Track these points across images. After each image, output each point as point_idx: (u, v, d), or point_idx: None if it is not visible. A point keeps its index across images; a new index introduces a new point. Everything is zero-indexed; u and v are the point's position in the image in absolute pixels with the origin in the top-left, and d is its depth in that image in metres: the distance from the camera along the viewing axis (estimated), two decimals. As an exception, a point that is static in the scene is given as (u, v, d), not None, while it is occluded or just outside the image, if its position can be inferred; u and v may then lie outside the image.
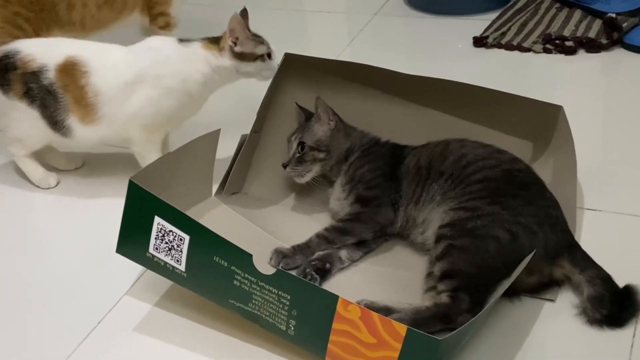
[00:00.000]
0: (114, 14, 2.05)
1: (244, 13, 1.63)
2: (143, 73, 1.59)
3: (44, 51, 1.63)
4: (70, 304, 1.42)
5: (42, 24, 1.98)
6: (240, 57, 1.58)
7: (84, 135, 1.65)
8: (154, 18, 2.08)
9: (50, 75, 1.61)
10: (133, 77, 1.59)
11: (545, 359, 1.21)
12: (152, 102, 1.59)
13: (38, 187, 1.75)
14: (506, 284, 1.20)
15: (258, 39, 1.60)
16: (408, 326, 1.09)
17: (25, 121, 1.66)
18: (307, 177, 1.51)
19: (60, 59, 1.61)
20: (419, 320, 1.19)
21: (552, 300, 1.29)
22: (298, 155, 1.50)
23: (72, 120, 1.63)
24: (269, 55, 1.60)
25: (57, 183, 1.76)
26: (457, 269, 1.25)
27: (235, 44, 1.57)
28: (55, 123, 1.63)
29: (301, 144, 1.50)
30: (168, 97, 1.59)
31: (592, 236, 1.41)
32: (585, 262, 1.29)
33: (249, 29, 1.60)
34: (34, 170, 1.75)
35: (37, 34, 1.96)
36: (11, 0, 1.92)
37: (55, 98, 1.61)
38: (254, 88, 1.60)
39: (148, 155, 1.64)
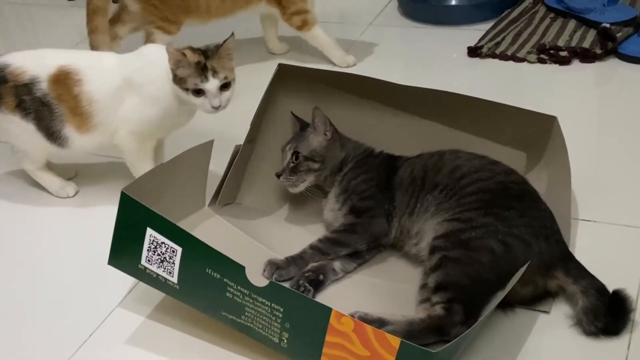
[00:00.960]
0: (240, 3, 2.08)
1: (230, 37, 1.52)
2: (130, 79, 1.58)
3: (34, 63, 1.62)
4: (62, 316, 1.41)
5: (172, 9, 2.07)
6: (175, 79, 1.51)
7: (81, 144, 1.64)
8: (289, 18, 2.09)
9: (43, 87, 1.60)
10: (121, 83, 1.58)
11: (540, 371, 1.21)
12: (138, 109, 1.58)
13: (57, 197, 1.74)
14: (500, 296, 1.19)
15: (202, 72, 1.48)
16: (401, 339, 1.09)
17: (22, 135, 1.65)
18: (301, 187, 1.50)
19: (52, 70, 1.60)
20: (412, 333, 1.18)
21: (546, 312, 1.29)
22: (292, 165, 1.50)
23: (69, 130, 1.62)
24: (197, 92, 1.50)
25: (76, 192, 1.75)
26: (451, 281, 1.24)
27: (177, 66, 1.49)
28: (52, 134, 1.63)
29: (296, 154, 1.50)
30: (152, 104, 1.57)
31: (587, 247, 1.41)
32: (579, 272, 1.29)
33: (210, 55, 1.50)
34: (51, 181, 1.74)
35: (174, 14, 2.08)
36: None
37: (50, 109, 1.60)
38: (248, 98, 1.60)
39: (140, 164, 1.64)
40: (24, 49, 1.70)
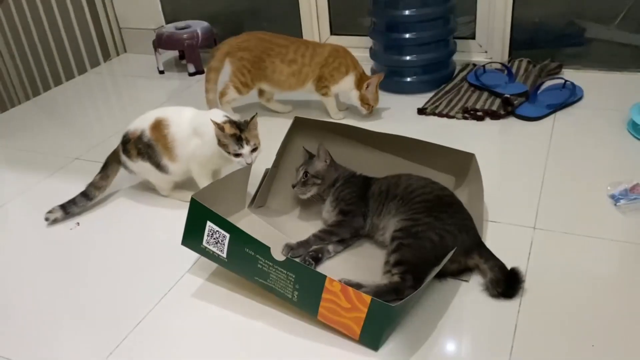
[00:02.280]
0: (299, 82, 2.05)
1: (254, 116, 1.51)
2: (197, 128, 1.56)
3: (142, 121, 1.62)
4: (151, 277, 1.40)
5: (256, 76, 2.06)
6: (219, 143, 1.49)
7: (174, 170, 1.62)
8: (320, 89, 2.05)
9: (147, 134, 1.60)
10: (191, 130, 1.56)
11: (462, 319, 1.19)
12: (199, 148, 1.56)
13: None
14: (437, 270, 1.19)
15: (239, 142, 1.46)
16: (372, 296, 1.08)
17: (148, 172, 1.64)
18: (307, 195, 1.49)
19: (151, 122, 1.60)
20: (379, 293, 1.18)
21: (466, 281, 1.29)
22: (303, 180, 1.49)
23: (165, 161, 1.60)
24: (236, 155, 1.48)
25: None
26: (404, 259, 1.24)
27: (220, 136, 1.48)
28: (159, 166, 1.61)
29: (305, 173, 1.49)
30: (207, 146, 1.53)
31: (493, 238, 1.41)
32: (488, 255, 1.28)
33: (243, 128, 1.48)
34: (183, 196, 1.68)
35: (252, 81, 2.06)
36: (245, 57, 2.04)
37: (152, 148, 1.60)
38: (274, 139, 1.59)
39: (201, 181, 1.62)
40: (127, 108, 1.69)
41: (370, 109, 2.07)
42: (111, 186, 1.73)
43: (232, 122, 1.50)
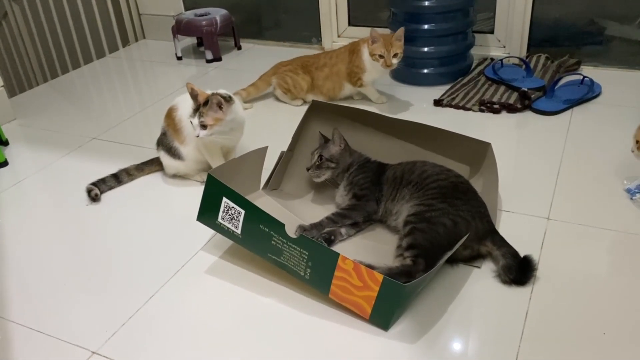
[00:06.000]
0: (335, 85, 2.11)
1: (214, 97, 1.50)
2: None
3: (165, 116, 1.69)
4: (166, 252, 1.42)
5: (298, 88, 2.14)
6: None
7: (186, 153, 1.64)
8: (355, 82, 2.09)
9: (164, 124, 1.66)
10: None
11: (473, 304, 1.20)
12: None
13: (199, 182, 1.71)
14: (448, 254, 1.19)
15: (195, 112, 1.51)
16: (384, 275, 1.09)
17: (169, 162, 1.68)
18: (321, 179, 1.50)
19: (166, 112, 1.66)
20: (390, 275, 1.18)
21: (478, 267, 1.29)
22: (317, 164, 1.50)
23: (176, 145, 1.63)
24: (191, 123, 1.53)
25: None
26: (417, 243, 1.25)
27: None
28: (170, 150, 1.64)
29: (320, 157, 1.50)
30: None
31: (506, 227, 1.41)
32: (501, 242, 1.29)
33: (206, 104, 1.51)
34: (200, 176, 1.71)
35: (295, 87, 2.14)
36: (289, 67, 2.16)
37: (166, 135, 1.65)
38: (291, 121, 1.60)
39: (212, 160, 1.65)
40: (144, 92, 1.72)
41: (383, 61, 1.95)
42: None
43: (212, 95, 1.51)
